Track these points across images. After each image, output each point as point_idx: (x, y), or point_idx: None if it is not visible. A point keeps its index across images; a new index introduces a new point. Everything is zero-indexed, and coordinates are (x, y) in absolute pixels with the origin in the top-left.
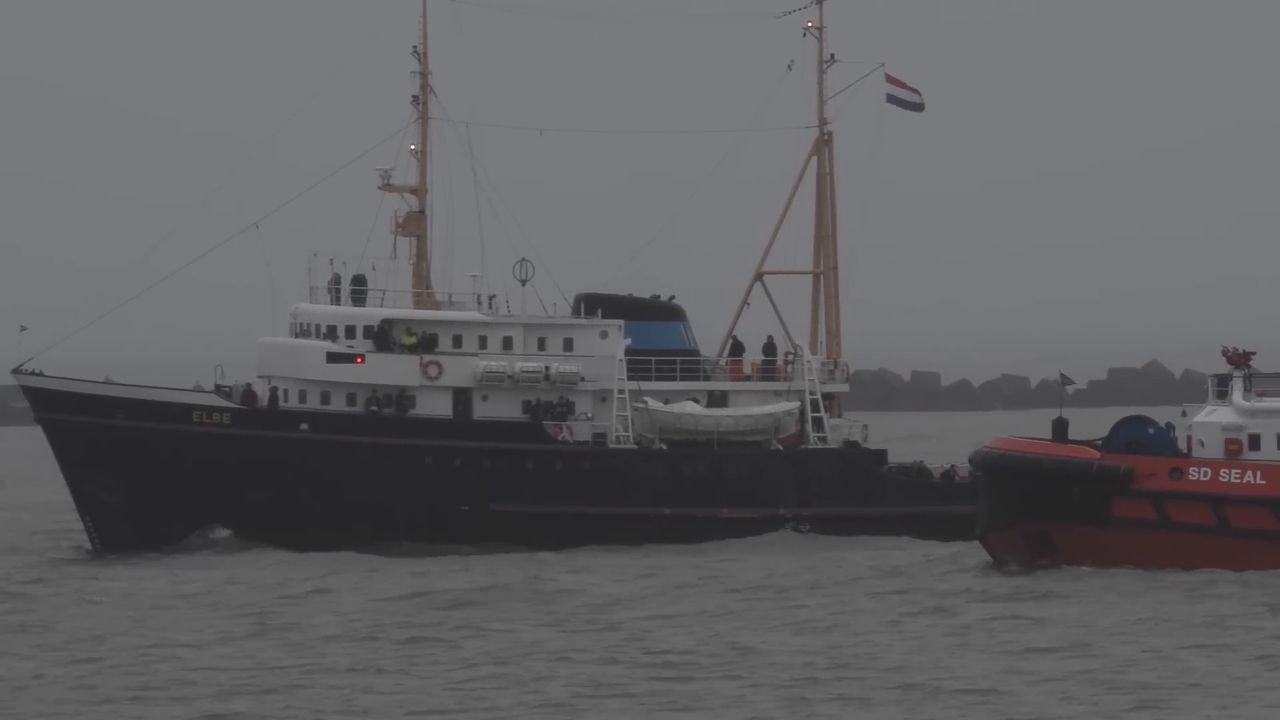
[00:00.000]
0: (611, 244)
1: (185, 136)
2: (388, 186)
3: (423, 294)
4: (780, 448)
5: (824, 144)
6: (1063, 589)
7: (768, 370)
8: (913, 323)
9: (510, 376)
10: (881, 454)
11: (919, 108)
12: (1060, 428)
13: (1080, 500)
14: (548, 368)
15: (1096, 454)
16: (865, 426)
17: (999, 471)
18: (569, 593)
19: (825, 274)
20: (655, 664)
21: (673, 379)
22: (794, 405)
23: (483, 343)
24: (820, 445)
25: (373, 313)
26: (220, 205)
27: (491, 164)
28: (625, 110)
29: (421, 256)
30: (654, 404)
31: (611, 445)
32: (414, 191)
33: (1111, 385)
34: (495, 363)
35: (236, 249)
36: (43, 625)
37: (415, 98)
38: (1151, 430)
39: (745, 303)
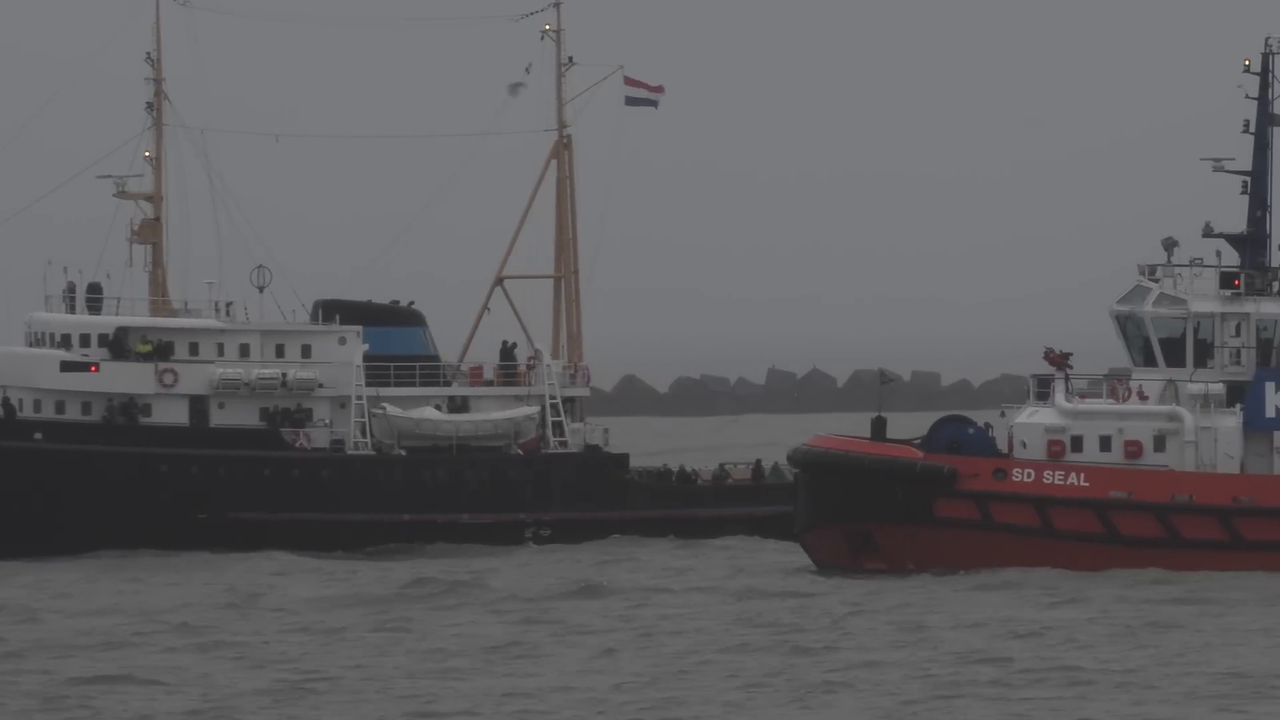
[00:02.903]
0: (351, 250)
1: None
2: (123, 194)
3: (159, 301)
4: (520, 452)
5: (563, 147)
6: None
7: (508, 375)
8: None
9: (247, 384)
10: (623, 458)
11: (655, 104)
12: (879, 426)
13: (903, 500)
14: (284, 374)
15: (919, 453)
16: (606, 431)
17: (820, 470)
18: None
19: (566, 277)
20: None
21: (412, 385)
22: (534, 410)
23: (220, 350)
24: (561, 450)
25: (108, 321)
26: None
27: (227, 170)
28: (363, 115)
29: (157, 264)
30: (393, 410)
31: (350, 452)
32: (149, 199)
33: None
34: (231, 370)
35: None
36: None
37: (149, 104)
38: (971, 430)
39: (485, 307)
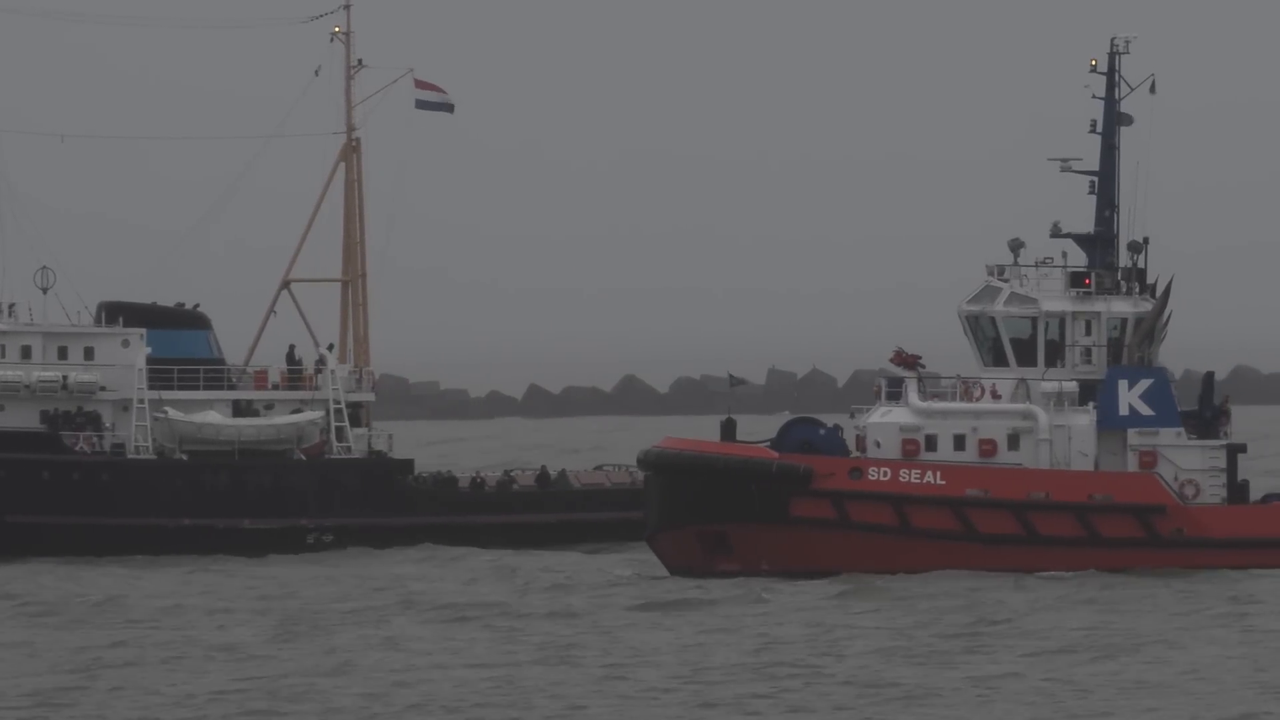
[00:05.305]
0: (137, 251)
1: None
2: None
3: None
4: (303, 457)
5: (352, 150)
6: None
7: (294, 379)
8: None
9: (27, 386)
10: (408, 463)
11: (449, 108)
12: (729, 428)
13: (759, 500)
14: (65, 377)
15: (773, 453)
16: (390, 436)
17: (672, 471)
18: None
19: (353, 282)
20: None
21: (196, 388)
22: (318, 415)
23: (0, 351)
24: (344, 455)
25: None
26: None
27: (12, 171)
28: (151, 117)
29: None
30: (175, 414)
31: (130, 456)
32: None
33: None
34: (11, 372)
35: None
36: None
37: None
38: (822, 431)
39: (272, 311)
